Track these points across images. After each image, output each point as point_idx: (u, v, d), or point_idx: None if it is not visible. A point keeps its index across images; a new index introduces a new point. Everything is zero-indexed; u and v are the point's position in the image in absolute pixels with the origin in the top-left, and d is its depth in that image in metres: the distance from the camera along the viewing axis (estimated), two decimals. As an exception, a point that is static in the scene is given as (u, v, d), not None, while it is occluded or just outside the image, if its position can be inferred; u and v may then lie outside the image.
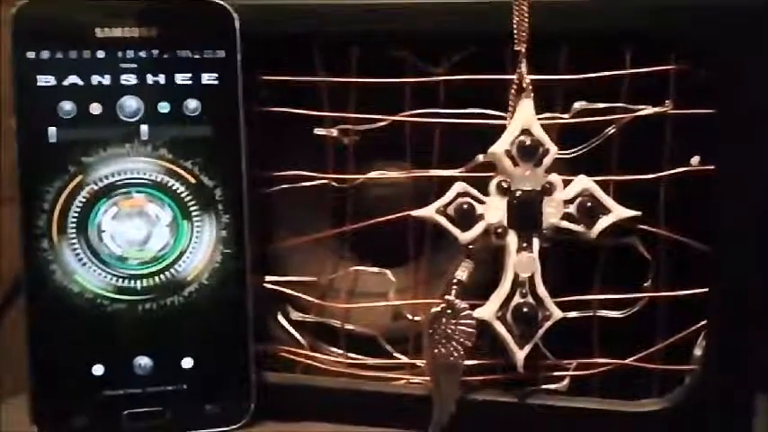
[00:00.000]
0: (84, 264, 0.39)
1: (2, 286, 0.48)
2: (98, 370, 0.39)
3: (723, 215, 0.37)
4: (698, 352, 0.39)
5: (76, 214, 0.39)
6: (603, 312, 0.40)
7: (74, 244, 0.39)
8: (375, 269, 0.42)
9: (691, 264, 0.38)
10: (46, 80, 0.38)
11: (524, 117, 0.37)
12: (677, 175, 0.38)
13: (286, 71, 0.40)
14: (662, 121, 0.38)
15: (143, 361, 0.40)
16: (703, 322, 0.39)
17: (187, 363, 0.40)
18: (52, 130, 0.38)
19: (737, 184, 0.37)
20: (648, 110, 0.38)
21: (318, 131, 0.40)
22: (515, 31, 0.37)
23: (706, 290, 0.38)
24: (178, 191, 0.39)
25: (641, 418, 0.39)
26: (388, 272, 0.42)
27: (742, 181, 0.37)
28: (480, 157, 0.39)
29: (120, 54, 0.38)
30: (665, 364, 0.39)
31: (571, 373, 0.40)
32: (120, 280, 0.39)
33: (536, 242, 0.38)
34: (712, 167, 0.37)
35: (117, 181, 0.39)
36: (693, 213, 0.38)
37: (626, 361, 0.40)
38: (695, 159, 0.38)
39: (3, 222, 0.48)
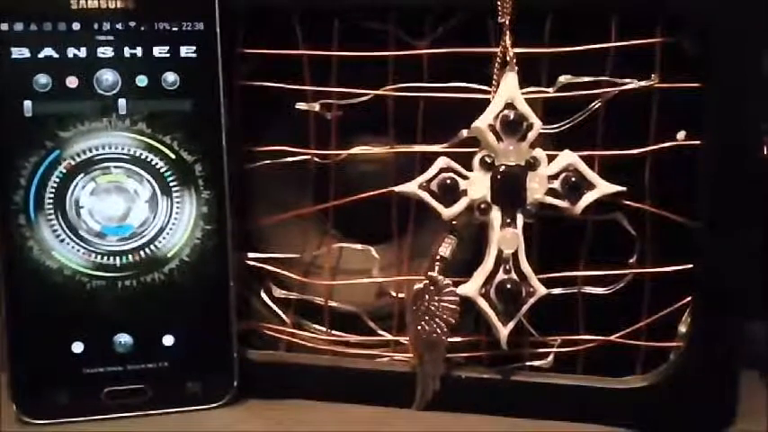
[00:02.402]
0: (63, 240, 0.38)
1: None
2: (77, 347, 0.39)
3: (708, 190, 0.37)
4: (683, 328, 0.39)
5: (53, 190, 0.38)
6: (588, 289, 0.39)
7: (51, 220, 0.38)
8: (358, 246, 0.42)
9: (676, 240, 0.38)
10: (20, 52, 0.37)
11: (508, 91, 0.37)
12: (663, 150, 0.38)
13: (266, 44, 0.39)
14: (648, 96, 0.37)
15: (123, 338, 0.39)
16: (688, 298, 0.38)
17: (168, 340, 0.40)
18: (28, 103, 0.37)
19: (723, 159, 0.37)
20: (634, 84, 0.37)
21: (300, 106, 0.40)
22: (499, 3, 0.36)
23: (691, 266, 0.38)
24: (157, 166, 0.39)
25: (626, 395, 0.39)
26: (371, 248, 0.41)
27: (728, 156, 0.37)
28: (464, 132, 0.38)
29: (96, 26, 0.37)
30: (649, 341, 0.39)
31: (555, 349, 0.40)
32: (99, 256, 0.39)
33: (520, 218, 0.37)
34: (698, 142, 0.37)
35: (95, 156, 0.38)
36: (679, 189, 0.38)
37: (611, 337, 0.39)
38: (681, 134, 0.38)
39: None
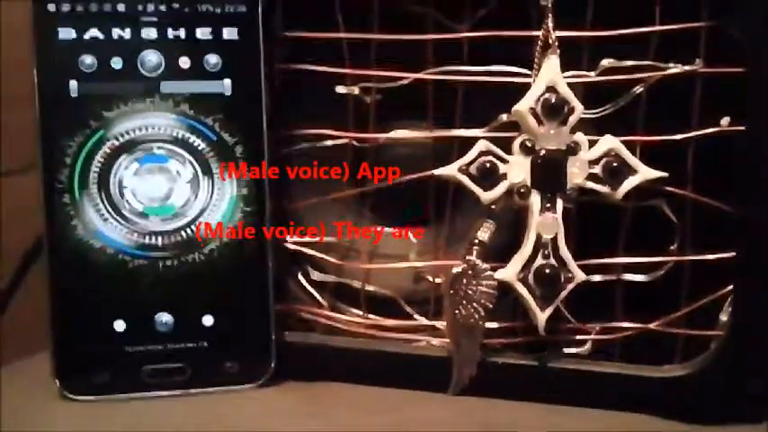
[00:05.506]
0: (106, 219, 0.39)
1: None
2: (119, 326, 0.39)
3: (752, 177, 0.36)
4: (723, 317, 0.38)
5: (97, 169, 0.39)
6: (628, 276, 0.39)
7: (95, 199, 0.39)
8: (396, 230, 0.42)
9: (718, 227, 0.37)
10: (67, 33, 0.38)
11: (550, 74, 0.36)
12: (706, 136, 0.37)
13: (307, 27, 0.39)
14: (691, 81, 0.37)
15: (164, 317, 0.40)
16: (730, 287, 0.38)
17: (208, 320, 0.40)
18: (73, 84, 0.38)
19: (766, 146, 0.36)
20: (678, 68, 0.37)
21: (340, 89, 0.40)
22: (542, -14, 0.36)
23: (733, 254, 0.37)
24: (199, 147, 0.39)
25: (664, 384, 0.38)
26: (409, 233, 0.41)
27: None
28: (504, 117, 0.38)
29: (140, 7, 0.38)
30: (689, 329, 0.39)
31: (593, 336, 0.40)
32: (141, 236, 0.39)
33: (560, 203, 0.37)
34: (742, 128, 0.36)
35: (138, 136, 0.39)
36: (721, 175, 0.37)
37: (650, 325, 0.39)
38: (725, 120, 0.37)
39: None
